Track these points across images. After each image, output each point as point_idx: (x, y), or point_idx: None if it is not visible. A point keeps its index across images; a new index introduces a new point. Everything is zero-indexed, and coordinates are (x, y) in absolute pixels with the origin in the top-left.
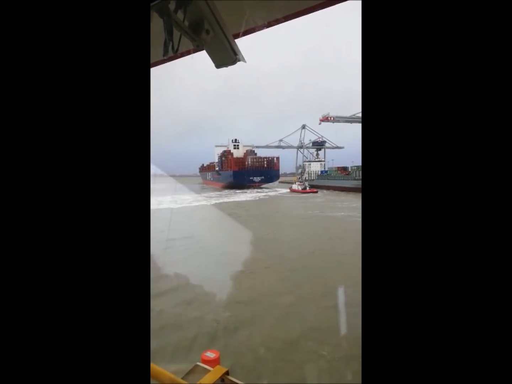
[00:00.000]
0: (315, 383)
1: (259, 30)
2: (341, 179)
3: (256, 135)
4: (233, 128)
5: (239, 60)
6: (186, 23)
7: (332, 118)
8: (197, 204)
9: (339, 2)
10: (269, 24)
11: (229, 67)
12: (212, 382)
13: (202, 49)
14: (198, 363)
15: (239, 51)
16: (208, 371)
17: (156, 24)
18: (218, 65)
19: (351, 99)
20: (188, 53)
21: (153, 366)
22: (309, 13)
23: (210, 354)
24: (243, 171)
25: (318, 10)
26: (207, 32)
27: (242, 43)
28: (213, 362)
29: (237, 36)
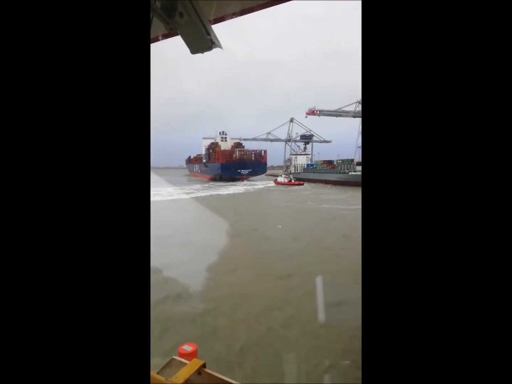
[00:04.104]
0: (314, 383)
1: (236, 16)
2: (327, 173)
3: (248, 128)
4: (226, 120)
5: (215, 46)
6: (158, 4)
7: (318, 112)
8: (178, 197)
9: None
10: (246, 11)
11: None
12: (188, 376)
13: (176, 34)
14: (174, 357)
15: (215, 36)
16: (185, 364)
17: None
18: (193, 51)
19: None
20: (159, 39)
21: None
22: (287, 0)
23: (187, 347)
24: (230, 164)
25: None
26: (181, 15)
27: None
28: (190, 355)
29: (214, 21)
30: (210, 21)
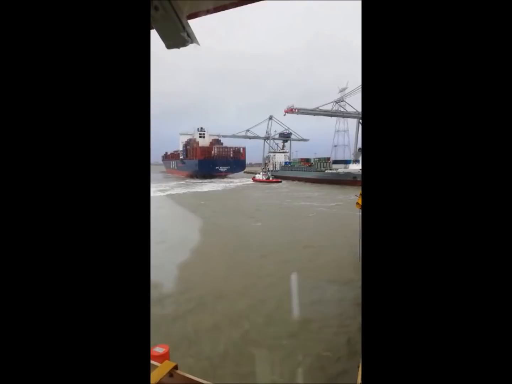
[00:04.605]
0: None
1: (213, 12)
2: (304, 170)
3: (227, 125)
4: (205, 116)
5: (191, 42)
6: None
7: (296, 110)
8: (153, 195)
9: None
10: (225, 7)
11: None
12: (159, 379)
13: (151, 27)
14: None
15: (192, 32)
16: (156, 367)
17: None
18: (168, 46)
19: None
20: None
21: None
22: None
23: (159, 349)
24: (208, 160)
25: None
26: (156, 8)
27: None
28: (161, 357)
29: (191, 17)
30: (186, 16)
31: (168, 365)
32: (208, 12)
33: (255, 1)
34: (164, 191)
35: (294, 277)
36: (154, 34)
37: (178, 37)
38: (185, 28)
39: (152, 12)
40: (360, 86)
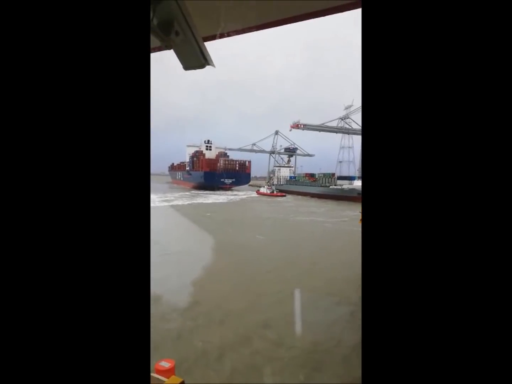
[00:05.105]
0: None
1: (232, 35)
2: (308, 185)
3: (233, 138)
4: (211, 129)
5: (208, 64)
6: (155, 21)
7: (302, 126)
8: (159, 205)
9: (312, 17)
10: (243, 31)
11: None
12: None
13: (170, 49)
14: (151, 374)
15: (208, 55)
16: (162, 382)
17: None
18: (186, 67)
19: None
20: (155, 50)
21: None
22: (285, 24)
23: (165, 364)
24: (214, 173)
25: (291, 22)
26: (177, 33)
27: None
28: (167, 372)
29: (208, 39)
30: (204, 38)
31: (174, 381)
32: (225, 35)
33: (271, 27)
34: (169, 201)
35: (297, 295)
36: (172, 54)
37: (196, 60)
38: (203, 51)
39: (173, 36)
40: None
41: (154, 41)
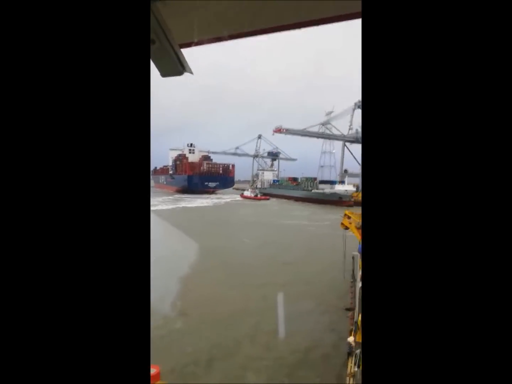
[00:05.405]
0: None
1: (208, 43)
2: (291, 189)
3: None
4: (195, 133)
5: (185, 71)
6: None
7: (284, 130)
8: None
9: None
10: (220, 39)
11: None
12: None
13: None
14: None
15: (185, 62)
16: None
17: None
18: (163, 75)
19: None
20: None
21: None
22: (263, 34)
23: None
24: (198, 176)
25: (271, 32)
26: (153, 42)
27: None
28: (152, 379)
29: (185, 46)
30: (181, 45)
31: None
32: (203, 43)
33: (249, 36)
34: (152, 205)
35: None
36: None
37: (173, 68)
38: (180, 59)
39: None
40: (345, 111)
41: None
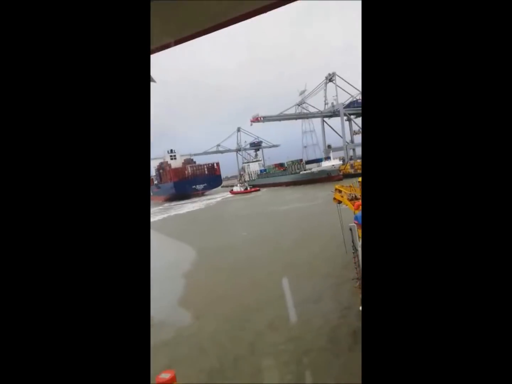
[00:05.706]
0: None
1: (166, 48)
2: (279, 175)
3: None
4: (173, 138)
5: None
6: None
7: (261, 118)
8: None
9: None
10: (176, 42)
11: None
12: None
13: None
14: None
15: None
16: None
17: None
18: None
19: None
20: (154, 51)
21: None
22: (205, 33)
23: (165, 375)
24: (184, 181)
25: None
26: None
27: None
28: (168, 382)
29: (156, 50)
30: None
31: None
32: (167, 46)
33: (208, 32)
34: None
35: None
36: None
37: None
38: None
39: None
40: (319, 86)
41: (152, 42)
